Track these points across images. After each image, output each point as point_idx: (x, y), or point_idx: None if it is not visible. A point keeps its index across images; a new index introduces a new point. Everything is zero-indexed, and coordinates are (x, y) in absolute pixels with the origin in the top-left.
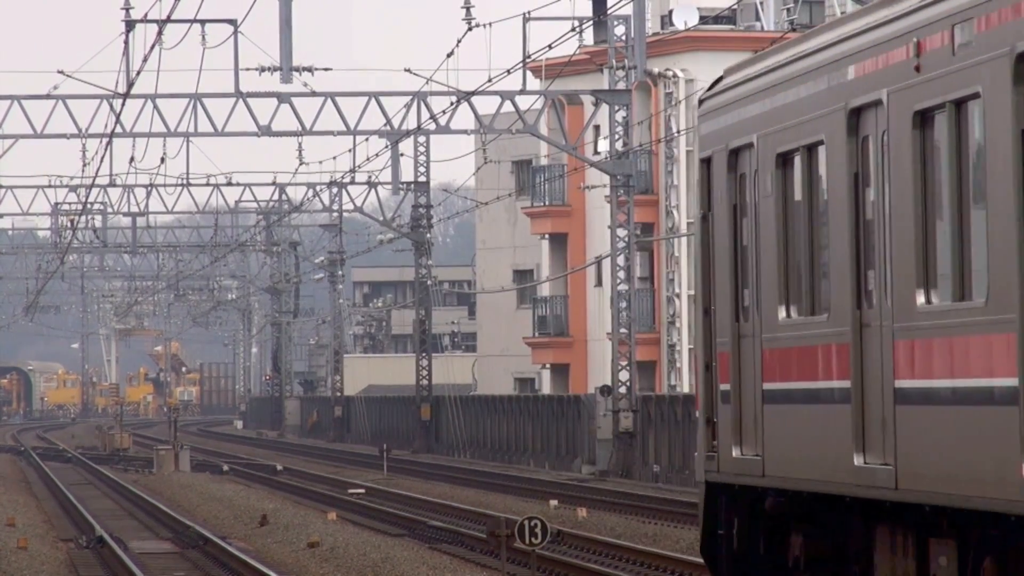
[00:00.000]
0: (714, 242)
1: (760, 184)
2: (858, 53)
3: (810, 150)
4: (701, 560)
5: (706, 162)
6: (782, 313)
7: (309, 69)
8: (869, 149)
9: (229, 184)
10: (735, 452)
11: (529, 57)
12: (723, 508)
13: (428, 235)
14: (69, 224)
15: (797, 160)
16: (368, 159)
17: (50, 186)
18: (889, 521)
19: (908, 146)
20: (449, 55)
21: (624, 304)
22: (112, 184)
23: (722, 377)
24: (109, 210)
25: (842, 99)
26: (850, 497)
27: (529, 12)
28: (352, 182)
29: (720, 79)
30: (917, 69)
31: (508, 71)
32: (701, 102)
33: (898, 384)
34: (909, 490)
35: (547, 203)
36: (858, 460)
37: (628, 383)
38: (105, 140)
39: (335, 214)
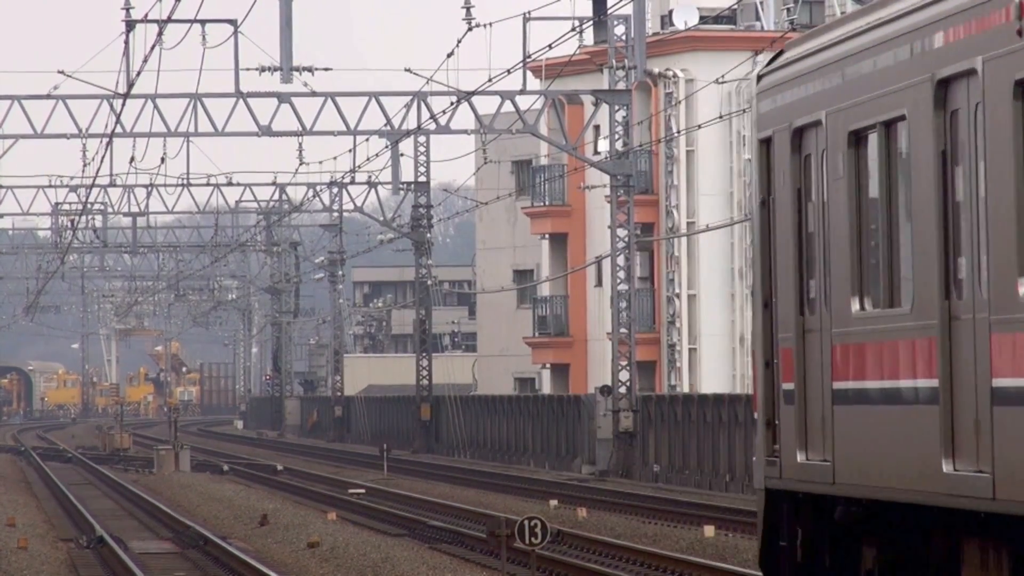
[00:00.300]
0: (775, 229)
1: (830, 165)
2: (947, 18)
3: (888, 127)
4: (702, 560)
5: (765, 143)
6: (855, 305)
7: (309, 69)
8: (959, 124)
9: (229, 184)
10: (800, 457)
11: (529, 57)
12: (785, 517)
13: (428, 235)
14: (69, 224)
15: (873, 138)
16: (368, 159)
17: (50, 186)
18: (981, 534)
19: (1008, 119)
20: (449, 55)
21: (624, 304)
22: (112, 184)
23: (784, 376)
24: (109, 210)
25: (928, 69)
26: (936, 507)
27: (529, 12)
28: (352, 182)
29: (780, 53)
30: (1020, 33)
31: (508, 71)
32: (760, 78)
33: (996, 383)
34: (1009, 500)
35: (547, 203)
36: (947, 467)
37: (628, 383)
38: (105, 140)
39: (335, 214)
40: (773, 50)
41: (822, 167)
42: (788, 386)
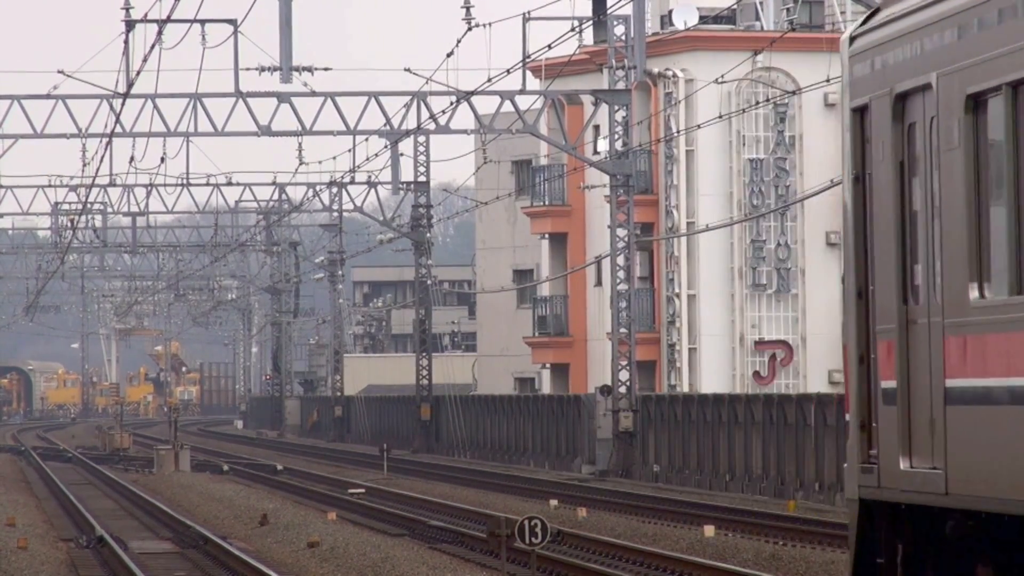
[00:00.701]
0: (872, 208)
1: (942, 134)
2: None
3: (1017, 88)
4: (702, 560)
5: (860, 112)
6: (973, 292)
7: (309, 69)
8: None
9: (229, 184)
10: (903, 464)
11: (529, 57)
12: (883, 532)
13: (428, 235)
14: (69, 224)
15: (997, 101)
16: (368, 159)
17: (50, 186)
18: None
19: None
20: (449, 55)
21: (624, 304)
22: (112, 184)
23: (884, 373)
24: (109, 210)
25: None
26: None
27: (529, 12)
28: (352, 182)
29: (876, 11)
30: None
31: (508, 71)
32: (852, 39)
33: None
34: None
35: (547, 203)
36: None
37: (628, 383)
38: (105, 140)
39: (335, 214)
40: (773, 51)
41: (931, 136)
42: (888, 384)
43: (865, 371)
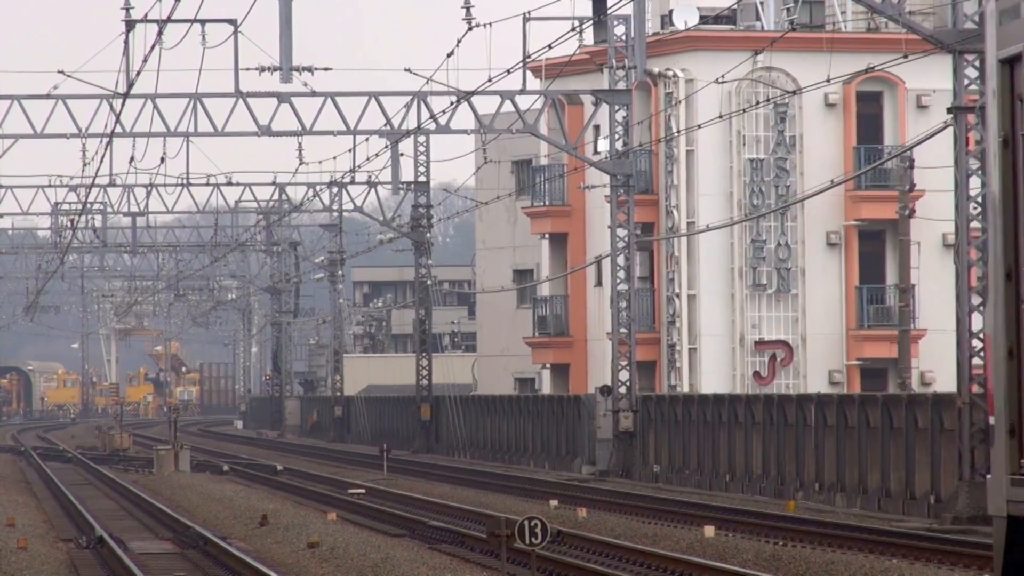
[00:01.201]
0: None
1: None
2: None
3: None
4: (702, 560)
5: (1009, 64)
6: None
7: (309, 69)
8: None
9: (229, 184)
10: None
11: (529, 57)
12: None
13: (428, 235)
14: (69, 224)
15: None
16: (368, 159)
17: (50, 186)
18: None
19: None
20: (449, 55)
21: (624, 304)
22: (112, 184)
23: None
24: (109, 210)
25: None
26: None
27: (529, 12)
28: (352, 182)
29: None
30: None
31: (508, 71)
32: None
33: None
34: None
35: (547, 203)
36: None
37: (628, 383)
38: (105, 140)
39: (335, 214)
40: (773, 51)
41: None
42: None
43: (1016, 366)
